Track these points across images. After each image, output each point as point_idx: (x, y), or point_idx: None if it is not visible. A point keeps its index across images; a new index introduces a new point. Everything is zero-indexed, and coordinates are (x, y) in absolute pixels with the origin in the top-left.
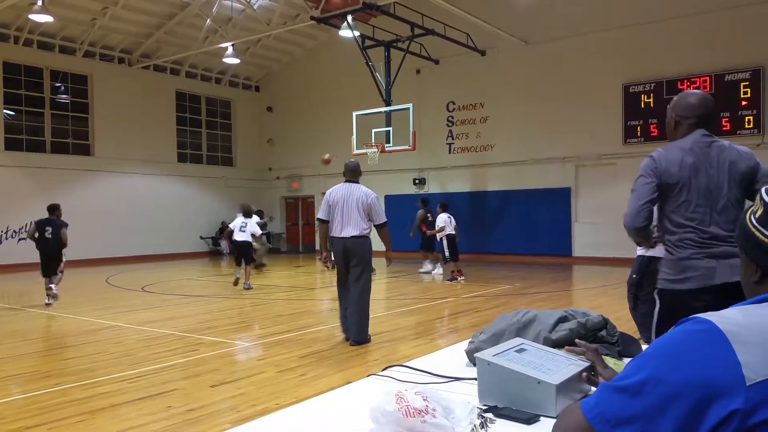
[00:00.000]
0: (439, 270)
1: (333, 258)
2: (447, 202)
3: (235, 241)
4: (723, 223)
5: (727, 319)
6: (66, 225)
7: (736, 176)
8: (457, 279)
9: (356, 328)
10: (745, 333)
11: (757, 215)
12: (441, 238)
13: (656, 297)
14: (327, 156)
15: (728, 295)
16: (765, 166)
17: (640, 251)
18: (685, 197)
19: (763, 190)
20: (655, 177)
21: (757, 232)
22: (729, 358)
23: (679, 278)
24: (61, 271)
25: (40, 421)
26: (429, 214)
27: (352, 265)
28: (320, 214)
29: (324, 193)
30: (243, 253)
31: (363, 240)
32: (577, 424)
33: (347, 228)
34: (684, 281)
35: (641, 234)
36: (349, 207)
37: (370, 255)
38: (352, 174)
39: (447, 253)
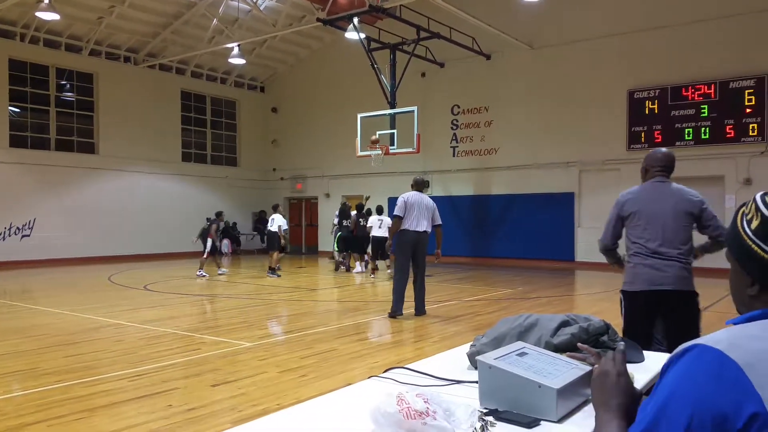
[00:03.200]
0: (360, 269)
1: (398, 247)
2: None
3: (374, 236)
4: (669, 243)
5: (741, 346)
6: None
7: (681, 211)
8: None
9: (422, 302)
10: (760, 364)
11: (753, 226)
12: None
13: (621, 297)
14: (375, 137)
15: (667, 299)
16: (710, 210)
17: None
18: (637, 222)
19: (758, 197)
20: (618, 210)
21: (755, 246)
22: (747, 392)
23: (630, 282)
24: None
25: (40, 418)
26: (361, 219)
27: (419, 252)
28: (398, 211)
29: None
30: (379, 247)
31: (428, 235)
32: None
33: (422, 224)
34: (633, 284)
35: (608, 254)
36: (421, 209)
37: None
38: (421, 186)
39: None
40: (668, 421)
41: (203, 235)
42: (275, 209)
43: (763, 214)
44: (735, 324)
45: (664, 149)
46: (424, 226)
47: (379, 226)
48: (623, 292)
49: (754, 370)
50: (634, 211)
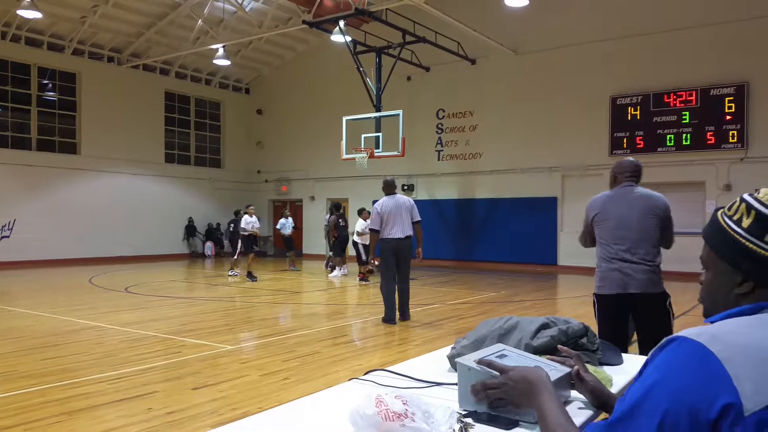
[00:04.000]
0: (338, 273)
1: (381, 255)
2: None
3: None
4: (636, 245)
5: (722, 340)
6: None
7: (648, 213)
8: (367, 280)
9: (406, 307)
10: (740, 357)
11: (744, 225)
12: (357, 242)
13: (594, 299)
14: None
15: (637, 301)
16: (671, 217)
17: None
18: (606, 225)
19: (746, 196)
20: (588, 214)
21: (751, 245)
22: (724, 384)
23: (600, 285)
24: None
25: (17, 422)
26: (340, 219)
27: (401, 258)
28: (374, 225)
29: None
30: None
31: (410, 239)
32: None
33: (401, 230)
34: (602, 288)
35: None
36: (398, 214)
37: None
38: (392, 188)
39: (364, 256)
40: (645, 411)
41: (328, 233)
42: (245, 211)
43: (758, 211)
44: (713, 321)
45: (631, 158)
46: (403, 231)
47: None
48: (595, 295)
49: (733, 364)
50: (601, 214)
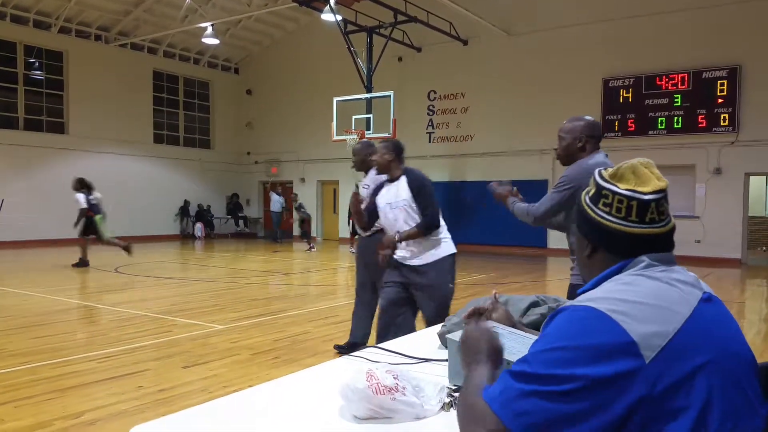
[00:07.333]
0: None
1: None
2: None
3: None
4: None
5: (600, 300)
6: None
7: None
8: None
9: None
10: (620, 308)
11: (590, 194)
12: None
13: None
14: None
15: None
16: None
17: None
18: None
19: (596, 172)
20: (578, 184)
21: (588, 209)
22: (617, 330)
23: (574, 274)
24: None
25: (7, 399)
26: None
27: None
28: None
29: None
30: None
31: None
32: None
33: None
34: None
35: None
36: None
37: None
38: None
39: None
40: (543, 359)
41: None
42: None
43: (597, 183)
44: (584, 291)
45: (586, 116)
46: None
47: None
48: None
49: (618, 314)
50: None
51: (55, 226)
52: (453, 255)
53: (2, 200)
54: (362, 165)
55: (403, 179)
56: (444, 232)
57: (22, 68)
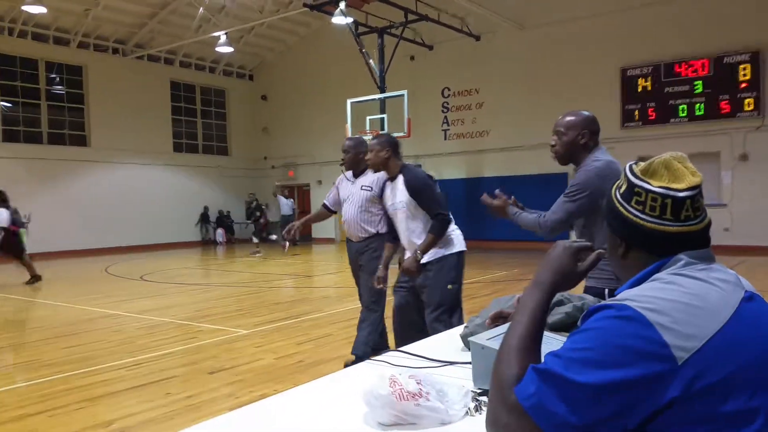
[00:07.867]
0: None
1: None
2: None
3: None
4: None
5: (635, 299)
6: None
7: None
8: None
9: None
10: (657, 309)
11: (622, 191)
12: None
13: None
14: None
15: None
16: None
17: None
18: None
19: (627, 167)
20: (602, 186)
21: (620, 207)
22: (657, 340)
23: (591, 277)
24: None
25: (41, 409)
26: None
27: None
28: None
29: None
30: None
31: None
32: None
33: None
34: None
35: None
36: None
37: None
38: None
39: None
40: (574, 357)
41: None
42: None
43: (628, 179)
44: (621, 291)
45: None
46: None
47: None
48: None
49: (654, 314)
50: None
51: (81, 236)
52: (460, 253)
53: (30, 213)
54: (353, 163)
55: (401, 179)
56: (452, 225)
57: (44, 84)
